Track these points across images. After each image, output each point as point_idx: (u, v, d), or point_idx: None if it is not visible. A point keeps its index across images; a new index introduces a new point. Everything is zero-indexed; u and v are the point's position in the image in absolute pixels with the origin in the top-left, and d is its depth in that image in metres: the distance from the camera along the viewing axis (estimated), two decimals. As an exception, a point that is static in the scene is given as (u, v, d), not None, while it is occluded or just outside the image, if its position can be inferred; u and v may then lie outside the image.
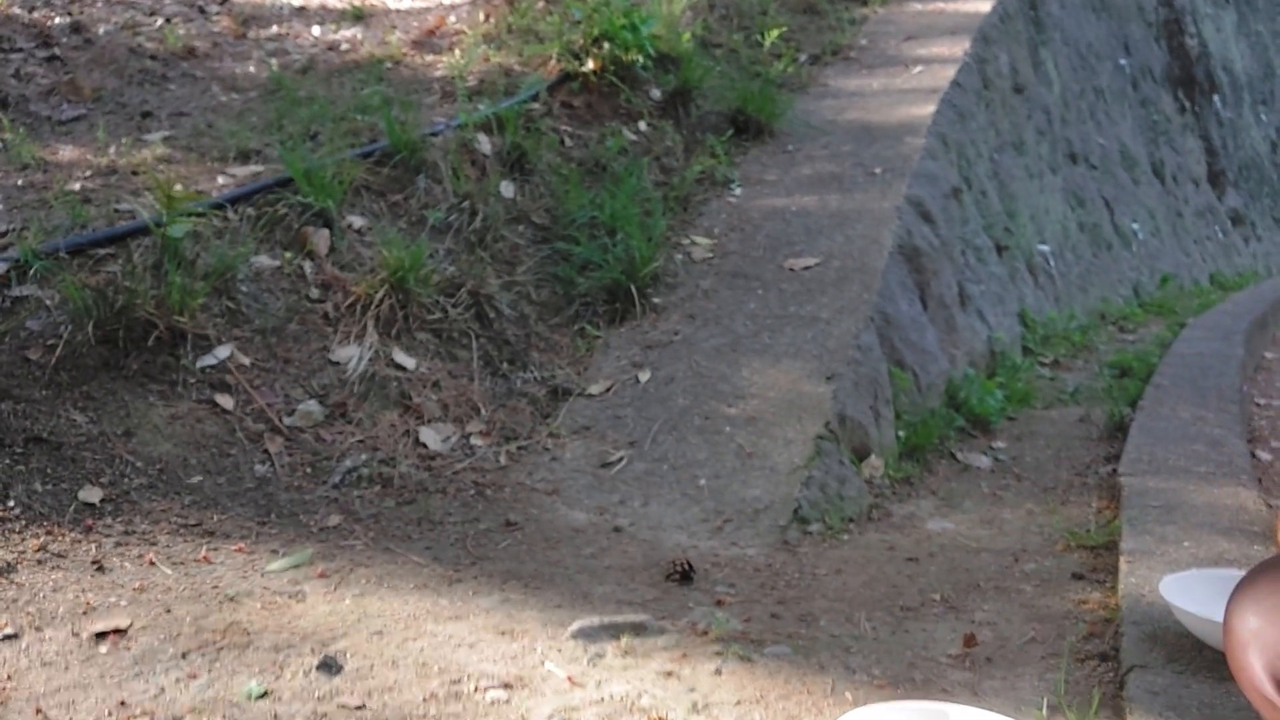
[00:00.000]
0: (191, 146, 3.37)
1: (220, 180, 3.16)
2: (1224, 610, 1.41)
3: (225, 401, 2.56)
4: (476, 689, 1.68)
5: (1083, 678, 1.73)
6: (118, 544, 2.12)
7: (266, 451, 2.50)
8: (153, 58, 4.18)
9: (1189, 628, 1.69)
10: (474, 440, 2.76)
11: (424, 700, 1.64)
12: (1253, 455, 3.37)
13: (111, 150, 3.25)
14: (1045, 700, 1.63)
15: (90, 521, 2.17)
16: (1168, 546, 2.15)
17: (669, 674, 1.73)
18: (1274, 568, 1.37)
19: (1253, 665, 1.27)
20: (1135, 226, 7.21)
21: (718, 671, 1.74)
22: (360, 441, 2.62)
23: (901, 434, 3.11)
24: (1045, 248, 5.59)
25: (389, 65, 4.20)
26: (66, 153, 3.27)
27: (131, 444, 2.38)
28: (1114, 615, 1.93)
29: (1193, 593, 1.73)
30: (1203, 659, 1.65)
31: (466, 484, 2.59)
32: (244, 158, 3.32)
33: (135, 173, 3.11)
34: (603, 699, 1.65)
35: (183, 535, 2.19)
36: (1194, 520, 2.30)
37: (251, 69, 4.17)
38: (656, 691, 1.67)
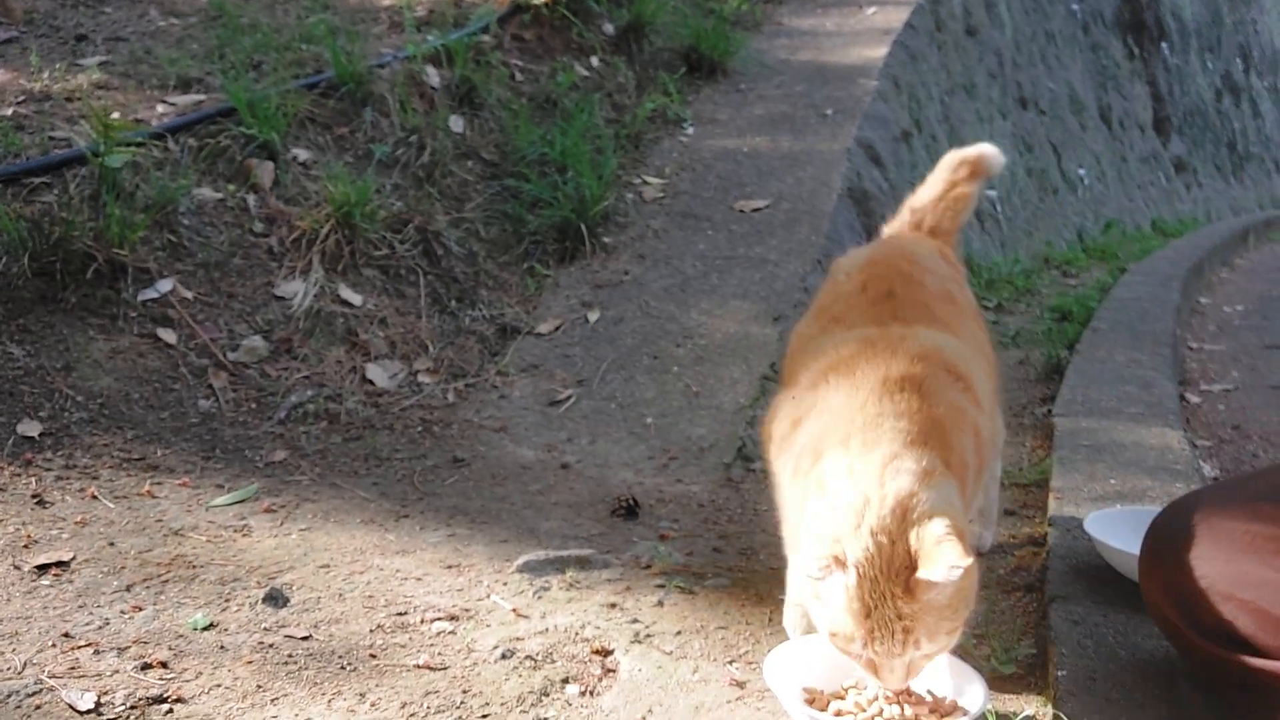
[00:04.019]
0: (129, 73, 3.27)
1: (160, 109, 3.08)
2: (1140, 544, 1.48)
3: (168, 336, 2.53)
4: (423, 620, 1.71)
5: (1008, 608, 1.80)
6: (58, 478, 2.11)
7: (210, 387, 2.49)
8: (86, -21, 4.02)
9: (1109, 561, 1.76)
10: (421, 378, 2.76)
11: (370, 631, 1.67)
12: (1182, 398, 3.48)
13: (45, 75, 3.15)
14: (971, 629, 1.70)
15: (29, 455, 2.15)
16: (1095, 484, 2.23)
17: (612, 606, 1.77)
18: (1183, 507, 1.44)
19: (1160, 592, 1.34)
20: (1081, 172, 7.31)
21: (660, 603, 1.78)
22: (306, 378, 2.61)
23: (846, 374, 3.16)
24: (992, 192, 5.65)
25: (335, -7, 4.09)
26: (-3, 77, 3.16)
27: (71, 378, 2.35)
28: (1041, 549, 2.00)
29: (1116, 528, 1.80)
30: (1121, 590, 1.72)
31: (414, 421, 2.60)
32: (184, 86, 3.24)
33: (70, 99, 3.02)
34: (547, 630, 1.69)
35: (125, 470, 2.18)
36: (1122, 459, 2.38)
37: (191, -7, 4.03)
38: (600, 623, 1.71)
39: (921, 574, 1.19)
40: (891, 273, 1.67)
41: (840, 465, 1.29)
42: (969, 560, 1.18)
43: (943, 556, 1.18)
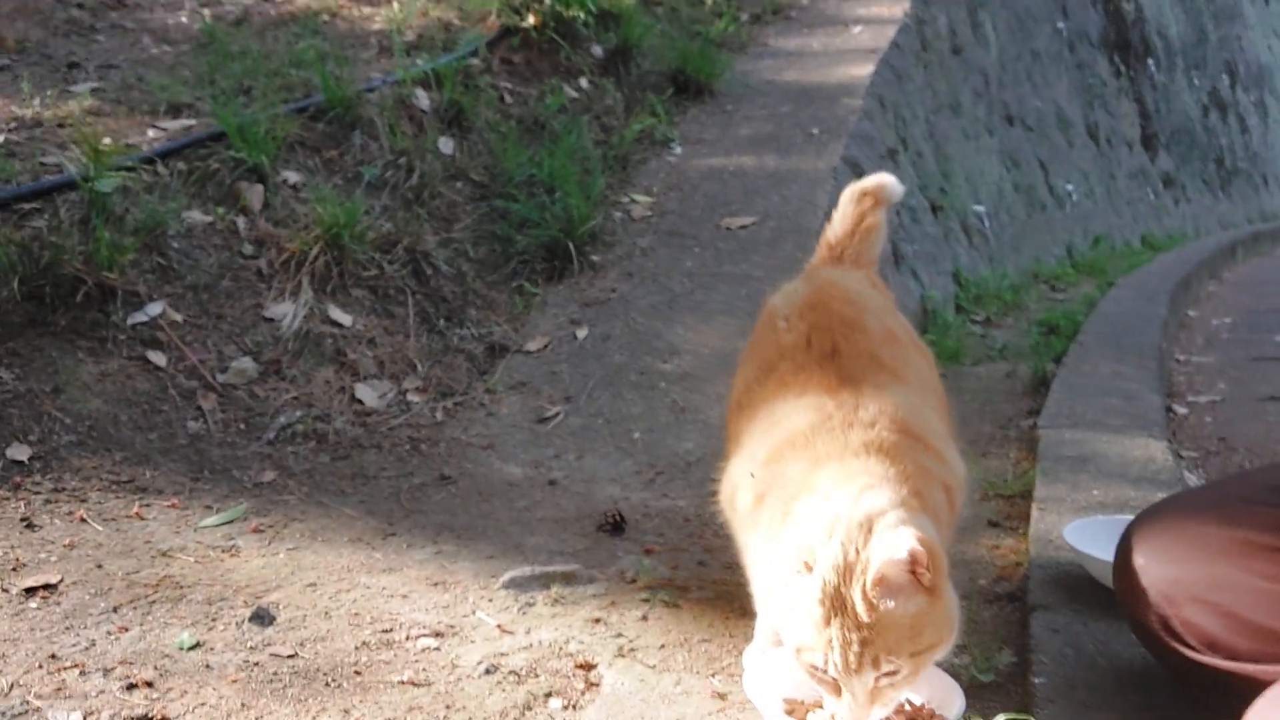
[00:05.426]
0: (120, 99, 3.30)
1: (150, 134, 3.11)
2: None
3: (157, 358, 2.55)
4: (408, 637, 1.72)
5: (990, 618, 1.82)
6: (47, 501, 2.12)
7: (199, 408, 2.50)
8: (80, 6, 4.06)
9: (1089, 569, 1.78)
10: (410, 396, 2.78)
11: (355, 649, 1.68)
12: (1169, 409, 3.50)
13: (36, 102, 3.18)
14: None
15: (19, 479, 2.16)
16: (1078, 495, 2.24)
17: (597, 620, 1.78)
18: (1159, 511, 1.46)
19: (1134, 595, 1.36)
20: (1069, 188, 7.36)
21: (644, 617, 1.80)
22: (295, 398, 2.62)
23: (833, 390, 3.17)
24: (980, 208, 5.69)
25: (325, 18, 4.13)
26: (-12, 105, 3.19)
27: (60, 401, 2.36)
28: (1023, 559, 2.02)
29: (1095, 537, 1.82)
30: (1101, 599, 1.73)
31: (402, 439, 2.61)
32: (175, 111, 3.27)
33: (61, 125, 3.05)
34: (531, 645, 1.70)
35: (114, 492, 2.19)
36: (1104, 470, 2.40)
37: (184, 20, 4.08)
38: (584, 637, 1.72)
39: (865, 551, 1.20)
40: (834, 322, 1.62)
41: (813, 500, 1.31)
42: (918, 534, 1.19)
43: (886, 532, 1.20)
